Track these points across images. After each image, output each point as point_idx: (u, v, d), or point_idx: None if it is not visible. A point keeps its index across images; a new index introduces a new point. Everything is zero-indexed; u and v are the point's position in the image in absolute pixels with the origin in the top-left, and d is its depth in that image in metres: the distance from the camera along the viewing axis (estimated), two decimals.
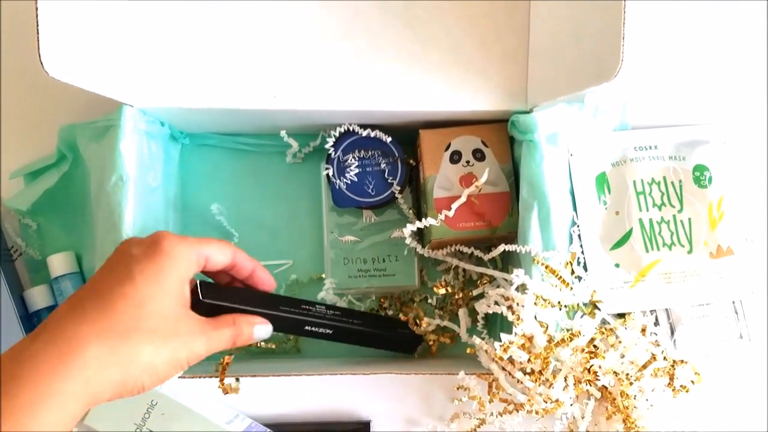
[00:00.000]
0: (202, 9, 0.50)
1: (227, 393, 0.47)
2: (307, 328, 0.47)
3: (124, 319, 0.36)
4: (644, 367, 0.47)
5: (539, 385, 0.45)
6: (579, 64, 0.45)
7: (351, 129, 0.54)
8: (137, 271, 0.37)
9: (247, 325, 0.43)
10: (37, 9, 0.39)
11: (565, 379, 0.46)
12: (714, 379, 0.54)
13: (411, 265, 0.55)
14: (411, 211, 0.55)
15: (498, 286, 0.50)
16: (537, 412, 0.47)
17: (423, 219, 0.50)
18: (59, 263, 0.53)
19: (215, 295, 0.43)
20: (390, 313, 0.57)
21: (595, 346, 0.46)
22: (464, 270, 0.56)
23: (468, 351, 0.50)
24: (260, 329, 0.44)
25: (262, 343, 0.55)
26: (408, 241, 0.51)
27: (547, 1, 0.48)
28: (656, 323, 0.52)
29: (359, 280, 0.55)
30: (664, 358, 0.47)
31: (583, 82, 0.44)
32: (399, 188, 0.54)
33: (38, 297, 0.54)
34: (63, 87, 0.42)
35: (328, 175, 0.54)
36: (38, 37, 0.39)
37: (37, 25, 0.39)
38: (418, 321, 0.54)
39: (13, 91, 0.57)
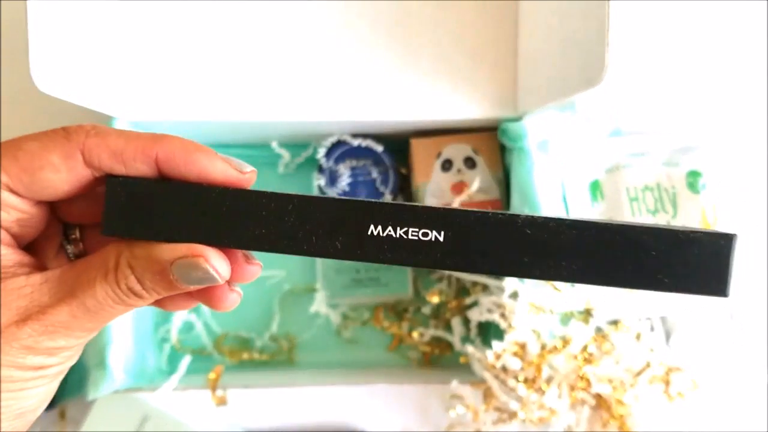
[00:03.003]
0: (191, 23, 0.50)
1: (219, 405, 0.47)
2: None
3: None
4: (639, 374, 0.47)
5: (532, 393, 0.45)
6: (567, 71, 0.45)
7: (342, 139, 0.54)
8: None
9: (152, 263, 0.21)
10: (27, 25, 0.39)
11: (559, 387, 0.45)
12: (710, 385, 0.53)
13: (404, 275, 0.55)
14: None
15: (492, 294, 0.50)
16: (531, 421, 0.46)
17: None
18: None
19: (137, 215, 0.23)
20: (386, 325, 0.56)
21: (588, 353, 0.46)
22: (457, 278, 0.56)
23: (462, 360, 0.50)
24: (193, 268, 0.21)
25: (255, 354, 0.55)
26: None
27: (534, 9, 0.49)
28: (651, 330, 0.52)
29: (352, 290, 0.55)
30: (659, 364, 0.47)
31: (571, 89, 0.44)
32: (391, 197, 0.54)
33: None
34: (53, 102, 0.42)
35: (320, 185, 0.54)
36: (29, 53, 0.39)
37: (27, 41, 0.39)
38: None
39: (4, 107, 0.57)
